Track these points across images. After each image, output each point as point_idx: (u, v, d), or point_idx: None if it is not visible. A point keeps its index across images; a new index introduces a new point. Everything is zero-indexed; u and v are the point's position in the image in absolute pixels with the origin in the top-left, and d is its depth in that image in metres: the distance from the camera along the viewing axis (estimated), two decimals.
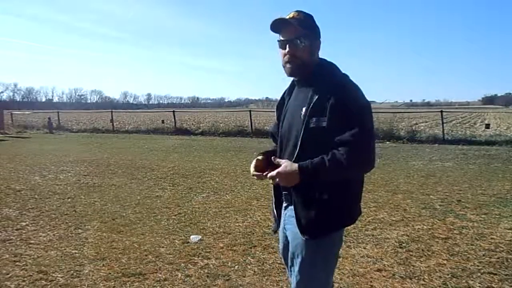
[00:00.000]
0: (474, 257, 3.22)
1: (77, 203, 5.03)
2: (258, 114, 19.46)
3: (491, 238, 3.65)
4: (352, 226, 1.93)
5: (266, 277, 2.89)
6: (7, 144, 13.12)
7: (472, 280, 2.81)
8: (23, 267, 3.05)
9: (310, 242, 1.56)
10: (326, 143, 1.46)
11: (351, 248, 3.42)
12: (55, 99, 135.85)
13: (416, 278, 2.86)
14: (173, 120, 18.46)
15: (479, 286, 2.73)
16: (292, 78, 1.71)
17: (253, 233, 3.85)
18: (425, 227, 4.01)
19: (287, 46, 1.57)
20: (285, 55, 1.59)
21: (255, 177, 1.65)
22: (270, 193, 1.86)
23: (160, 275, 2.92)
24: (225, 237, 3.76)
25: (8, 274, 2.94)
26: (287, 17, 1.58)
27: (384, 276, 2.89)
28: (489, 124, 15.58)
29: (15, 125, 21.37)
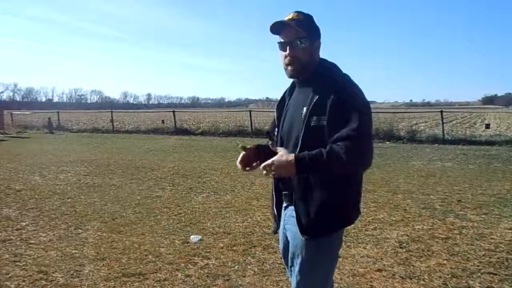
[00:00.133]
0: (474, 257, 3.22)
1: (77, 203, 5.03)
2: (258, 114, 19.43)
3: (491, 238, 3.65)
4: (352, 226, 1.93)
5: (266, 277, 2.89)
6: (7, 144, 13.13)
7: (472, 280, 2.81)
8: (23, 267, 3.05)
9: (310, 242, 1.56)
10: (326, 142, 1.46)
11: (351, 248, 3.42)
12: (55, 99, 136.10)
13: (416, 278, 2.86)
14: (173, 120, 18.45)
15: (479, 286, 2.73)
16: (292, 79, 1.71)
17: (253, 233, 3.85)
18: (425, 227, 4.01)
19: (288, 48, 1.57)
20: (285, 57, 1.59)
21: (244, 171, 1.60)
22: (270, 193, 1.86)
23: (160, 275, 2.92)
24: (225, 237, 3.76)
25: (8, 274, 2.94)
26: (287, 18, 1.57)
27: (384, 276, 2.89)
28: (489, 124, 15.56)
29: (15, 125, 21.37)
